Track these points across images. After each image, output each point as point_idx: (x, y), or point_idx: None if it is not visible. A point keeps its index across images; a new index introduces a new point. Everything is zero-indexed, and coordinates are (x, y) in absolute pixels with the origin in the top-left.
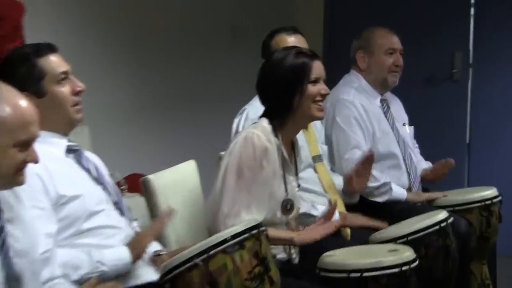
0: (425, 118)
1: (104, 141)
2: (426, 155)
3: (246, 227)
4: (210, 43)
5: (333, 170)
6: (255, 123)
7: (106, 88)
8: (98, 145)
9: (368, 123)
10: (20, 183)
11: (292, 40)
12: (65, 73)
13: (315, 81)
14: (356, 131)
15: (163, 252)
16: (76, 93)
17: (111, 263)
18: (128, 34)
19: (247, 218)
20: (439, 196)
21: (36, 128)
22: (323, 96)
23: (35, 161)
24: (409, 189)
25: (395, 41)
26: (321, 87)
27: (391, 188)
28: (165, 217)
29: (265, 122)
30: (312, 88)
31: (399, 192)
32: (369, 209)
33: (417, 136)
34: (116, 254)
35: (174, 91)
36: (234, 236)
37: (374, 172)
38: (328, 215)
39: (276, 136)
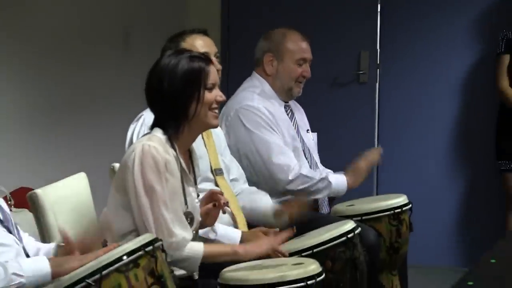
0: (332, 122)
1: None
2: (333, 161)
3: (140, 244)
4: (103, 47)
5: (252, 180)
6: (147, 133)
7: None
8: None
9: (276, 127)
10: None
11: (199, 43)
12: None
13: (211, 88)
14: (272, 135)
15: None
16: None
17: (29, 274)
18: (15, 41)
19: (180, 232)
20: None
21: None
22: (218, 103)
23: None
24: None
25: (307, 50)
26: (217, 93)
27: (330, 182)
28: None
29: (159, 132)
30: (208, 95)
31: (339, 181)
32: None
33: (323, 141)
34: (34, 264)
35: (65, 98)
36: (127, 254)
37: (306, 171)
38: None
39: (173, 146)
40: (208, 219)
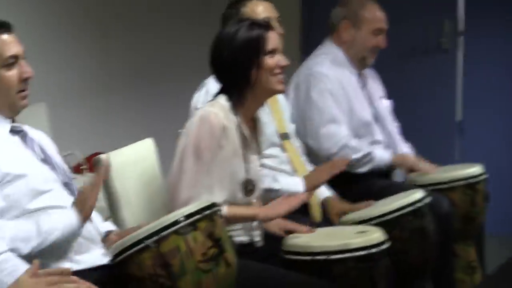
0: (412, 89)
1: (63, 119)
2: (413, 134)
3: (199, 208)
4: (172, 17)
5: (309, 148)
6: (212, 100)
7: (65, 64)
8: (56, 123)
9: (343, 97)
10: None
11: (261, 9)
12: (14, 57)
13: (272, 53)
14: (330, 104)
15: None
16: (23, 80)
17: (60, 230)
18: (89, 10)
19: (208, 198)
20: (425, 168)
21: None
22: (282, 68)
23: None
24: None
25: (384, 20)
26: (279, 59)
27: (373, 157)
28: (105, 168)
29: (222, 99)
30: (269, 61)
31: (383, 157)
32: (348, 184)
33: (402, 113)
34: (63, 218)
35: (135, 67)
36: (186, 217)
37: (354, 142)
38: None
39: (236, 113)
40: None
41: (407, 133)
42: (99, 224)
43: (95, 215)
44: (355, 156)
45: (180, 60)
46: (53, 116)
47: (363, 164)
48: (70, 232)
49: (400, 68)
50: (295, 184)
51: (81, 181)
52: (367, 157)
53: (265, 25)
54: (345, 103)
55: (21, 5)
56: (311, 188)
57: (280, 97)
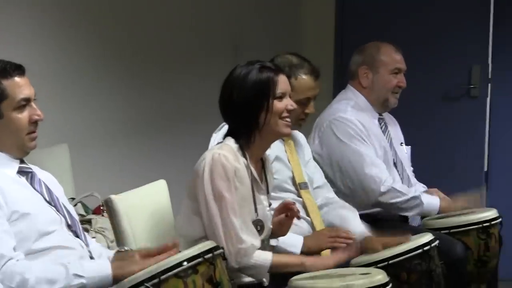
0: (441, 136)
1: (84, 161)
2: (439, 181)
3: (200, 251)
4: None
5: (342, 191)
6: (220, 143)
7: (88, 106)
8: (77, 164)
9: (368, 139)
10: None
11: (307, 82)
12: (26, 100)
13: (281, 97)
14: (365, 147)
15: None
16: (33, 122)
17: (90, 275)
18: (115, 52)
19: (249, 239)
20: (473, 204)
21: None
22: (290, 111)
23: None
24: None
25: (401, 60)
26: (288, 103)
27: (422, 201)
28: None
29: (231, 141)
30: (278, 104)
31: (431, 202)
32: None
33: (430, 155)
34: (96, 266)
35: (154, 109)
36: (187, 260)
37: (399, 186)
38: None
39: (244, 155)
40: (281, 229)
41: (433, 181)
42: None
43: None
44: (402, 198)
45: (198, 101)
46: (74, 157)
47: (412, 207)
48: (99, 283)
49: (428, 114)
50: (292, 244)
51: (100, 222)
52: (416, 200)
53: (275, 69)
54: (373, 145)
55: (45, 45)
56: (312, 251)
57: (300, 141)
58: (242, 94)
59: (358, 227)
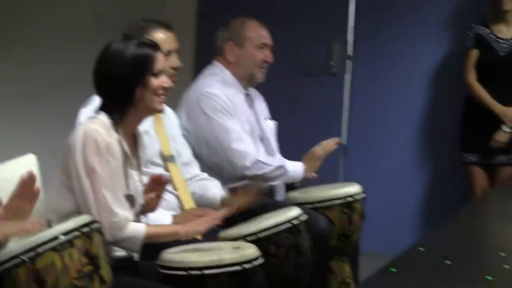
0: (300, 111)
1: None
2: (297, 151)
3: (77, 225)
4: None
5: (210, 166)
6: (92, 117)
7: None
8: None
9: (235, 114)
10: None
11: (161, 37)
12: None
13: (158, 74)
14: (232, 121)
15: None
16: None
17: None
18: None
19: (122, 212)
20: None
21: None
22: (165, 89)
23: None
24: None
25: (267, 36)
26: (164, 80)
27: (287, 170)
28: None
29: (103, 116)
30: (154, 81)
31: (296, 168)
32: None
33: (290, 132)
34: None
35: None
36: (64, 234)
37: (263, 157)
38: None
39: (117, 130)
40: (150, 206)
41: (293, 154)
42: None
43: None
44: (267, 169)
45: (66, 75)
46: None
47: (278, 176)
48: None
49: (288, 90)
50: (161, 222)
51: None
52: (281, 169)
53: (154, 45)
54: (239, 120)
55: None
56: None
57: (169, 115)
58: (119, 69)
59: (218, 194)
